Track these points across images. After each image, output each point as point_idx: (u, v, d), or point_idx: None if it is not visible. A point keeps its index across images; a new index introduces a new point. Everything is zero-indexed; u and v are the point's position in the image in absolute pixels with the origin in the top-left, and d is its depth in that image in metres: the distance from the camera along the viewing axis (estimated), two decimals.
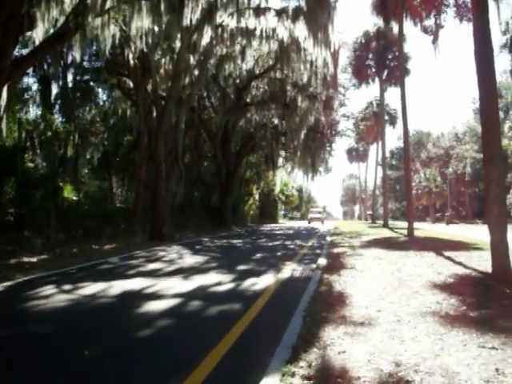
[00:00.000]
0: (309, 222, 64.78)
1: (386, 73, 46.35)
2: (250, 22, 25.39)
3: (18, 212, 19.19)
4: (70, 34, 18.09)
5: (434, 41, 26.61)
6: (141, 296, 8.48)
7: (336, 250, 17.40)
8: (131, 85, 28.01)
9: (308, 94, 36.37)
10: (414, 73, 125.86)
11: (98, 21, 19.46)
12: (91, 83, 31.36)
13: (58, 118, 27.75)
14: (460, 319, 6.29)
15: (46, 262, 14.07)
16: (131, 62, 23.89)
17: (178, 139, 25.98)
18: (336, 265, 12.61)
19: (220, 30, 25.20)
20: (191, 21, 21.26)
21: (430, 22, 27.12)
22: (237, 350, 5.30)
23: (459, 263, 12.20)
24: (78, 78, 30.20)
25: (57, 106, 29.86)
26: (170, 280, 10.29)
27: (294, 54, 29.02)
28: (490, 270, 9.73)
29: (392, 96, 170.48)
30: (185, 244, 21.37)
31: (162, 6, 20.03)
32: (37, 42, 18.24)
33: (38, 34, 17.99)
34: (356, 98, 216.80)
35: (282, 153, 49.40)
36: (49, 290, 9.10)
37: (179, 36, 23.66)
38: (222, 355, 5.05)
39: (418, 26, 27.33)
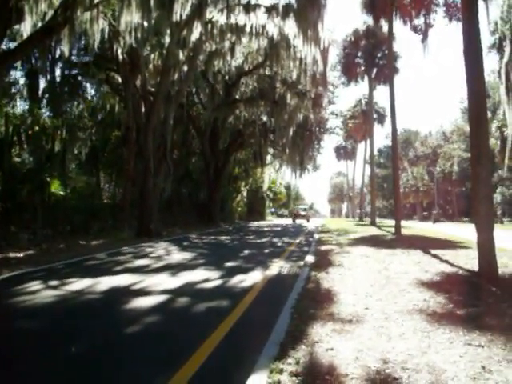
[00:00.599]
0: (293, 220, 60.71)
1: (375, 71, 46.42)
2: (239, 18, 25.39)
3: (4, 207, 19.08)
4: (58, 27, 17.97)
5: (424, 40, 26.69)
6: (128, 292, 8.45)
7: (324, 248, 17.42)
8: (120, 80, 27.86)
9: (297, 92, 36.35)
10: (402, 71, 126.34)
11: (87, 15, 19.36)
12: (79, 78, 31.16)
13: (45, 113, 27.64)
14: (447, 317, 6.32)
15: (32, 257, 14.02)
16: (120, 57, 23.74)
17: (166, 135, 25.88)
18: (324, 262, 12.62)
19: (210, 26, 25.16)
20: (181, 16, 21.22)
21: (419, 21, 27.17)
22: (224, 347, 5.29)
23: (446, 261, 12.26)
24: (66, 72, 29.98)
25: (44, 101, 29.68)
26: (157, 276, 10.27)
27: (284, 51, 28.98)
28: (476, 268, 9.79)
29: (381, 94, 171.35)
30: (172, 240, 21.35)
31: (152, 1, 19.95)
32: (25, 36, 18.11)
33: (26, 28, 17.87)
34: (345, 96, 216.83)
35: (271, 150, 49.43)
36: (35, 285, 9.06)
37: (169, 31, 23.54)
38: (210, 352, 5.05)
39: (407, 24, 27.38)
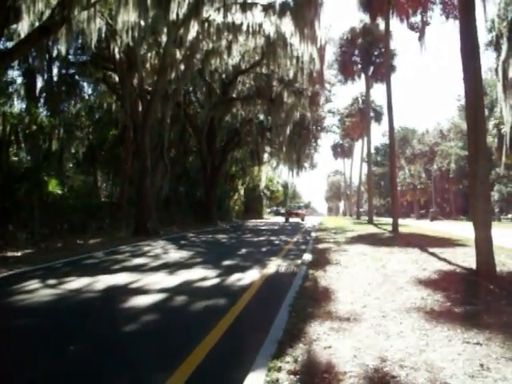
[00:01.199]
0: (286, 220, 53.39)
1: (371, 69, 46.46)
2: (236, 17, 25.38)
3: (2, 206, 19.04)
4: (55, 27, 17.98)
5: (420, 38, 26.67)
6: (126, 291, 8.46)
7: (321, 246, 17.44)
8: (117, 79, 27.85)
9: (294, 90, 36.32)
10: (399, 69, 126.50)
11: (84, 14, 19.38)
12: (76, 77, 31.07)
13: (42, 112, 27.58)
14: (445, 315, 6.33)
15: (30, 256, 14.03)
16: (117, 56, 23.72)
17: (163, 134, 25.91)
18: (321, 260, 12.64)
19: (206, 24, 25.13)
20: (178, 15, 21.21)
21: (416, 19, 27.22)
22: (222, 345, 5.30)
23: (444, 259, 12.26)
24: (64, 71, 29.91)
25: (42, 100, 29.60)
26: (155, 275, 10.28)
27: (281, 49, 28.95)
28: (474, 266, 9.80)
29: (378, 92, 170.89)
30: (170, 239, 21.35)
31: (149, 0, 19.95)
32: (22, 35, 18.08)
33: (23, 27, 17.86)
34: (342, 94, 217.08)
35: (268, 148, 49.32)
36: (34, 284, 9.07)
37: (165, 30, 23.53)
38: (208, 351, 5.06)
39: (404, 22, 27.41)
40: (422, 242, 17.55)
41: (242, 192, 62.32)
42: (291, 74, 32.19)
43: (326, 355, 4.79)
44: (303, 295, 7.83)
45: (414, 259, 12.53)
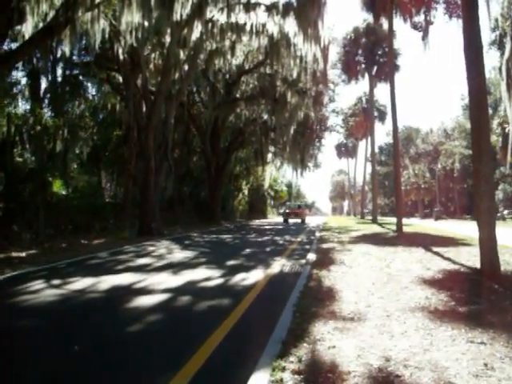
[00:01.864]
0: (284, 220, 48.93)
1: (375, 69, 46.52)
2: (240, 17, 25.42)
3: (6, 207, 19.11)
4: (59, 28, 17.98)
5: (424, 37, 26.64)
6: (130, 291, 8.46)
7: (325, 246, 17.42)
8: (121, 80, 27.94)
9: (298, 90, 36.28)
10: (403, 68, 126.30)
11: (88, 15, 19.38)
12: (80, 78, 31.23)
13: (47, 113, 27.68)
14: (449, 314, 6.33)
15: (35, 256, 14.05)
16: (121, 56, 23.76)
17: (167, 134, 25.95)
18: (325, 260, 12.63)
19: (210, 25, 25.15)
20: (181, 16, 21.21)
21: (419, 19, 27.15)
22: (226, 345, 5.31)
23: (448, 259, 12.26)
24: (68, 72, 30.03)
25: (46, 101, 29.70)
26: (159, 275, 10.28)
27: (284, 49, 29.00)
28: (478, 265, 9.78)
29: (381, 92, 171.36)
30: (174, 239, 21.35)
31: (152, 1, 19.95)
32: (26, 37, 18.13)
33: (27, 28, 17.91)
34: (345, 94, 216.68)
35: (272, 148, 49.26)
36: (38, 285, 9.08)
37: (169, 31, 23.54)
38: (212, 351, 5.06)
39: (407, 22, 27.35)
40: (426, 242, 17.55)
41: (246, 192, 62.30)
42: (295, 74, 32.24)
43: (330, 355, 4.79)
44: (307, 295, 7.82)
45: (419, 258, 12.52)
